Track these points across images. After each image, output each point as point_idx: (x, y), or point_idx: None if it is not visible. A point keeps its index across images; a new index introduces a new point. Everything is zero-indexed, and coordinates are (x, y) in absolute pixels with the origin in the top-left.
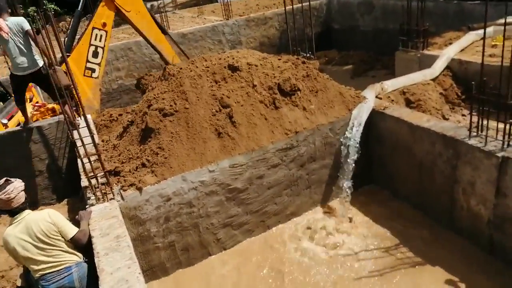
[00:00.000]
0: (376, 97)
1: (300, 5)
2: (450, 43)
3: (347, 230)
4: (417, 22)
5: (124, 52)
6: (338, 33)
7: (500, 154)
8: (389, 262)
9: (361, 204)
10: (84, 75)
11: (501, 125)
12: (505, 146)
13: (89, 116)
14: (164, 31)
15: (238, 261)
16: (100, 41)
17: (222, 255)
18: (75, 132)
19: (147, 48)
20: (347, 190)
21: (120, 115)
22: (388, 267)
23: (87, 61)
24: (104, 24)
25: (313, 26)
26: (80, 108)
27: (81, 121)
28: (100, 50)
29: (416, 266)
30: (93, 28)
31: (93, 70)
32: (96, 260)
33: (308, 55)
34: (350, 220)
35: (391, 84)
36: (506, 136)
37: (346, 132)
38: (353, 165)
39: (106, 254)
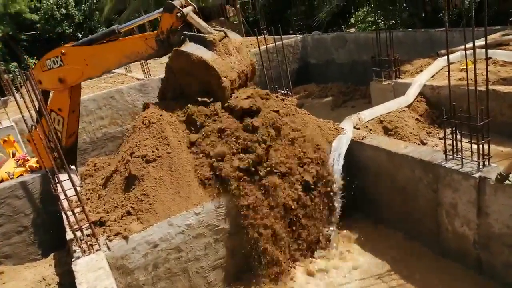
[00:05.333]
0: (354, 127)
1: (275, 44)
2: (421, 70)
3: (336, 263)
4: (388, 53)
5: (107, 101)
6: (315, 68)
7: (477, 175)
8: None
9: (348, 235)
10: None
11: (475, 147)
12: (480, 166)
13: (73, 167)
14: None
15: None
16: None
17: None
18: (58, 185)
19: (129, 96)
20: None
21: (105, 163)
22: None
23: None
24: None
25: (291, 63)
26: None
27: (64, 174)
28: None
29: None
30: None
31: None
32: None
33: (285, 92)
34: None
35: (368, 114)
36: (481, 157)
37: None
38: (340, 196)
39: None
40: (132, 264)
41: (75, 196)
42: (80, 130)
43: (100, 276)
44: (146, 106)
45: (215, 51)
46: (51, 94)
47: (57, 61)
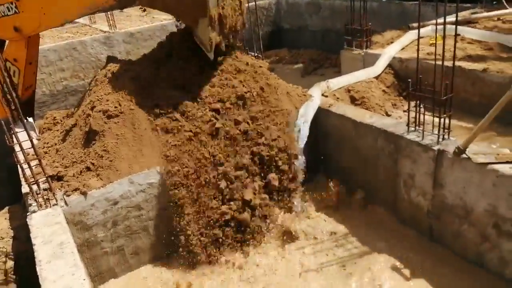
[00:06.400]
0: (322, 95)
1: (247, 4)
2: (392, 42)
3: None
4: (361, 22)
5: (69, 52)
6: (288, 33)
7: (436, 148)
8: (341, 252)
9: (309, 198)
10: None
11: (437, 120)
12: (440, 139)
13: (31, 119)
14: None
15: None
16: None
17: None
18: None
19: (93, 48)
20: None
21: (65, 117)
22: (336, 258)
23: None
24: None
25: (263, 26)
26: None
27: (20, 125)
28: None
29: (365, 255)
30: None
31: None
32: (38, 268)
33: (256, 54)
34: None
35: (336, 82)
36: (441, 130)
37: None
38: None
39: (49, 262)
40: (90, 220)
41: (32, 149)
42: (39, 82)
43: (57, 231)
44: (109, 60)
45: None
46: (7, 42)
47: (11, 8)
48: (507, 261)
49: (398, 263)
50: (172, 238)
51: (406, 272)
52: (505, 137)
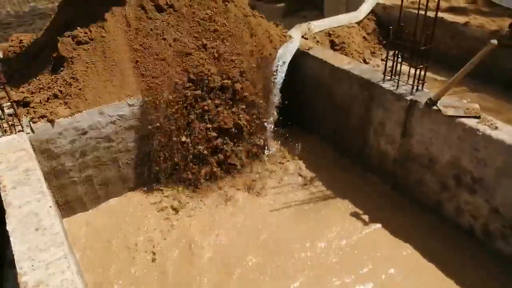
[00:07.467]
0: (303, 37)
1: None
2: None
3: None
4: None
5: None
6: None
7: (409, 98)
8: (301, 195)
9: (281, 142)
10: None
11: (413, 71)
12: (414, 90)
13: None
14: None
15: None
16: None
17: (143, 190)
18: None
19: None
20: (269, 129)
21: (32, 41)
22: (299, 200)
23: None
24: None
25: None
26: None
27: None
28: None
29: (327, 200)
30: None
31: None
32: (2, 194)
33: None
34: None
35: (317, 25)
36: (416, 81)
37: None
38: (277, 103)
39: (14, 188)
40: (58, 149)
41: None
42: (2, 0)
43: (22, 157)
44: None
45: None
46: None
47: None
48: (462, 210)
49: (357, 209)
50: (141, 169)
51: (365, 217)
52: (477, 93)
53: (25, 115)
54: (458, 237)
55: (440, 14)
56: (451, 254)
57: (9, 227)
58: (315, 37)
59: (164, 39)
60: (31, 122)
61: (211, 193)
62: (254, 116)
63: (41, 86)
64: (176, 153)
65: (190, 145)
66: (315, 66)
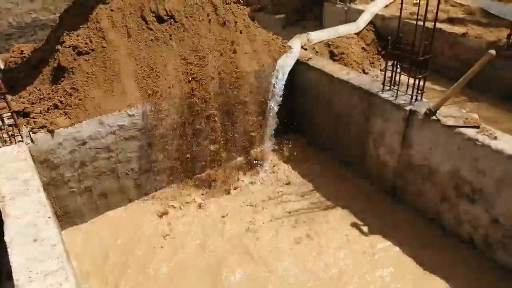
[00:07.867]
0: (302, 47)
1: None
2: None
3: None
4: None
5: None
6: None
7: (408, 108)
8: (300, 205)
9: (281, 152)
10: None
11: (412, 81)
12: (413, 100)
13: None
14: None
15: (159, 207)
16: None
17: (143, 200)
18: None
19: None
20: (270, 138)
21: (33, 51)
22: (301, 209)
23: None
24: None
25: None
26: None
27: None
28: None
29: (327, 209)
30: None
31: None
32: (1, 204)
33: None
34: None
35: (316, 36)
36: (415, 91)
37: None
38: (276, 113)
39: (13, 198)
40: (57, 159)
41: None
42: (4, 11)
43: (22, 168)
44: None
45: None
46: None
47: None
48: (462, 221)
49: (357, 220)
50: (141, 180)
51: (364, 228)
52: (476, 103)
53: (25, 126)
54: (458, 248)
55: (438, 25)
56: (451, 264)
57: (7, 238)
58: (314, 48)
59: (164, 50)
60: (31, 133)
61: (209, 204)
62: (253, 127)
63: (42, 96)
64: (174, 162)
65: (188, 155)
66: (314, 77)
